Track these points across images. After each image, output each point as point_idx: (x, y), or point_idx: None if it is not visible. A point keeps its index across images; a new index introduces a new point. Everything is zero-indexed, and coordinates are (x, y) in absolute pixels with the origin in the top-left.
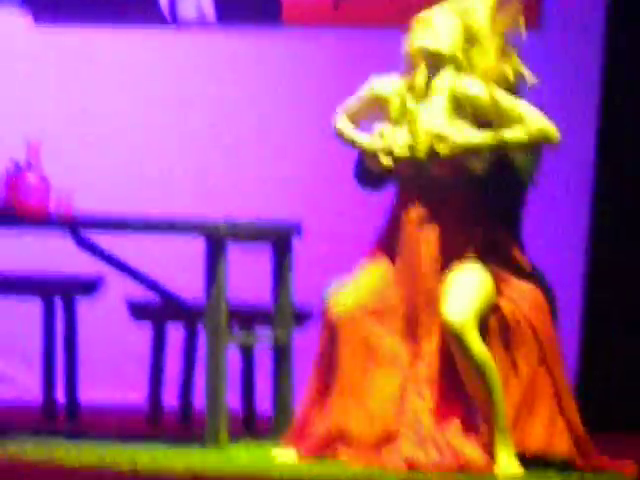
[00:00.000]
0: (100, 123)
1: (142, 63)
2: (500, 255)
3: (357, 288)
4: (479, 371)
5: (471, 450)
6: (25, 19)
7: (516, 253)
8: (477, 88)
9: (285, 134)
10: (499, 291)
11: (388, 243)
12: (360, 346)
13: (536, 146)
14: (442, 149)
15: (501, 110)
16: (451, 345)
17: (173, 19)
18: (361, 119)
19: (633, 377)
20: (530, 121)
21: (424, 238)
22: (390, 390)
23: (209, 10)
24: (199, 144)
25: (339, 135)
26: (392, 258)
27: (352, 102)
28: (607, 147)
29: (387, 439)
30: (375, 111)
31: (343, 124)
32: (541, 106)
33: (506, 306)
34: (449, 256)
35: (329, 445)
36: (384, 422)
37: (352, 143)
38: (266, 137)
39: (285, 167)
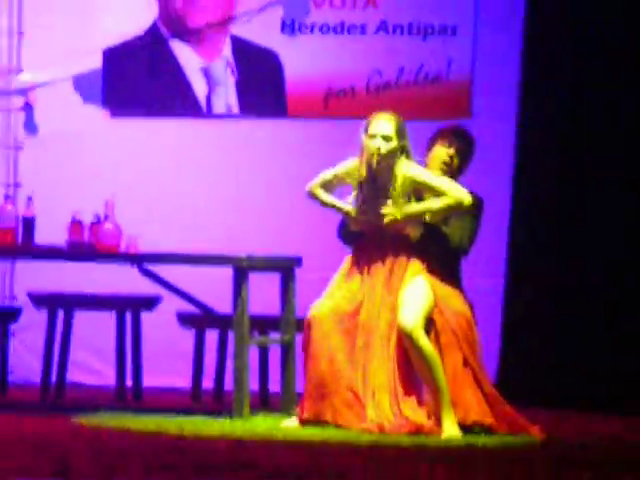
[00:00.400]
0: (156, 187)
1: (186, 143)
2: (438, 281)
3: (329, 299)
4: (427, 362)
5: (421, 418)
6: (104, 113)
7: (450, 281)
8: (416, 171)
9: (289, 194)
10: (435, 307)
11: (356, 266)
12: (329, 338)
13: (456, 209)
14: (387, 222)
15: (431, 186)
16: (405, 343)
17: (209, 112)
18: (333, 187)
19: (545, 362)
20: (450, 193)
21: (387, 265)
22: (355, 373)
23: (235, 105)
24: (226, 201)
25: (311, 196)
26: (360, 276)
27: (328, 173)
28: (519, 199)
29: (355, 409)
30: (344, 183)
31: (317, 189)
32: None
33: (438, 319)
34: (401, 277)
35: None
36: (353, 396)
37: (325, 204)
38: (275, 196)
39: (290, 215)
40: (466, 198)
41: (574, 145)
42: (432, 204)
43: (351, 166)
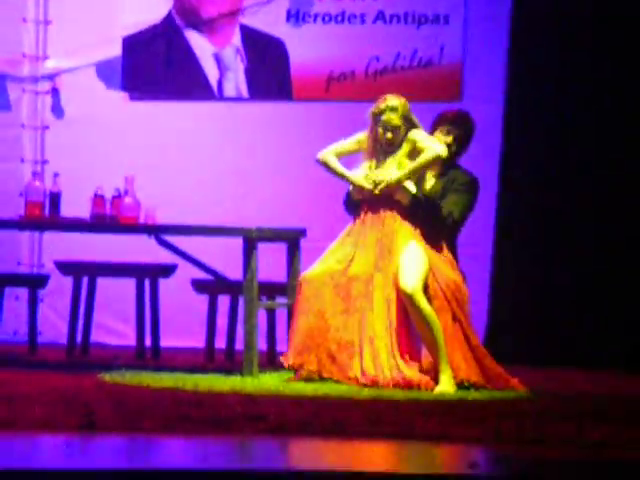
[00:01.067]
0: (172, 164)
1: (199, 124)
2: (432, 248)
3: (321, 263)
4: (426, 321)
5: (414, 374)
6: (124, 97)
7: (443, 249)
8: (415, 133)
9: (295, 170)
10: (429, 270)
11: (351, 232)
12: (319, 295)
13: (435, 162)
14: (378, 189)
15: (419, 145)
16: (406, 304)
17: (220, 95)
18: (343, 155)
19: (531, 322)
20: (429, 148)
21: (380, 227)
22: (351, 318)
23: (244, 89)
24: (237, 177)
25: (322, 163)
26: (353, 239)
27: (340, 144)
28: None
29: (339, 361)
30: (354, 153)
31: (329, 157)
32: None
33: (431, 284)
34: (396, 240)
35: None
36: (337, 348)
37: (335, 172)
38: (281, 172)
39: (295, 190)
40: (443, 152)
41: (560, 127)
42: (414, 163)
43: (362, 138)
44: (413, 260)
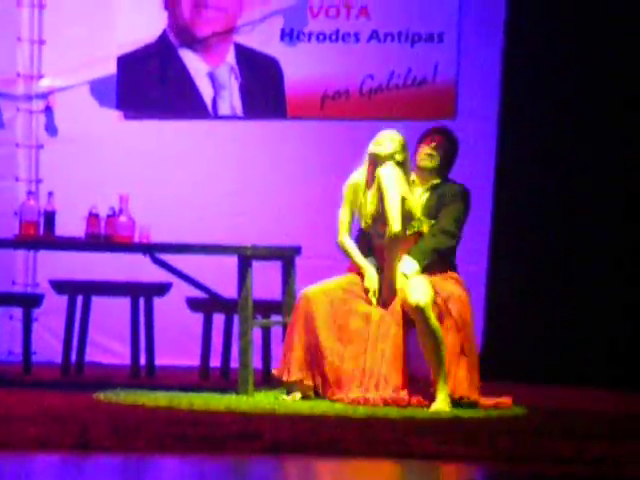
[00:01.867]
0: (167, 183)
1: (194, 143)
2: (437, 269)
3: (324, 284)
4: (433, 337)
5: (404, 394)
6: (118, 116)
7: (448, 268)
8: (385, 172)
9: (289, 188)
10: (435, 292)
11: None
12: (316, 315)
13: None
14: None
15: (383, 196)
16: (415, 319)
17: (215, 114)
18: (352, 219)
19: (525, 340)
20: (389, 220)
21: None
22: (347, 358)
23: (239, 107)
24: (231, 195)
25: (342, 249)
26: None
27: (341, 213)
28: (501, 197)
29: (346, 383)
30: (356, 198)
31: (347, 242)
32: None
33: (437, 301)
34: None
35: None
36: (342, 374)
37: (354, 260)
38: (276, 190)
39: (290, 208)
40: (395, 228)
41: (554, 144)
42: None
43: (350, 187)
44: (420, 280)
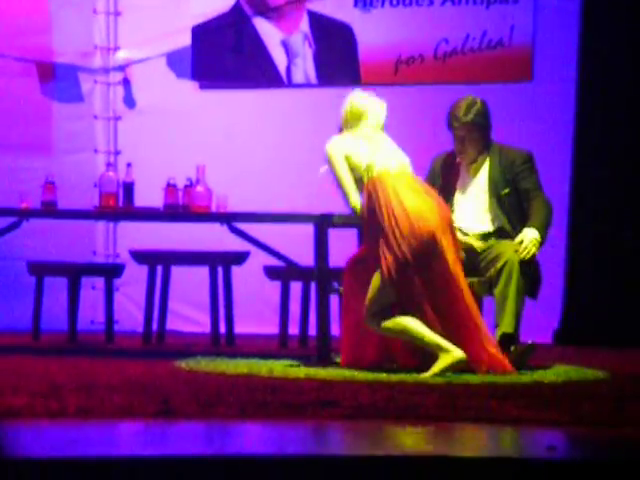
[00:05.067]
0: (243, 152)
1: (268, 112)
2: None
3: None
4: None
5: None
6: (193, 85)
7: None
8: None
9: None
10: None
11: None
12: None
13: None
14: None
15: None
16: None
17: (289, 82)
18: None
19: (607, 303)
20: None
21: None
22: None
23: (313, 76)
24: (306, 163)
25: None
26: None
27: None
28: (580, 160)
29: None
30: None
31: None
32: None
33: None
34: None
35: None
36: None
37: None
38: None
39: None
40: (353, 204)
41: (635, 104)
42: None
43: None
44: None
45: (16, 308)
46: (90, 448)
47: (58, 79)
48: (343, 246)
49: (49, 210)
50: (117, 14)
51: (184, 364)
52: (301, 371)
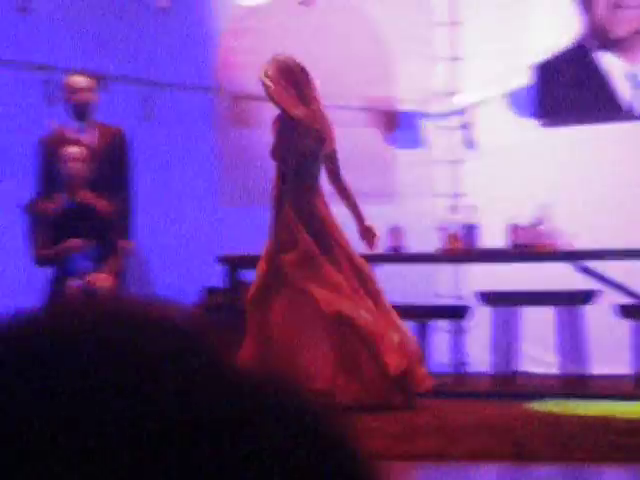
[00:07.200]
0: (587, 188)
1: (611, 146)
2: None
3: None
4: None
5: None
6: (535, 124)
7: None
8: None
9: None
10: None
11: None
12: None
13: None
14: None
15: None
16: None
17: (634, 115)
18: None
19: None
20: None
21: None
22: None
23: None
24: None
25: None
26: None
27: None
28: None
29: None
30: None
31: None
32: None
33: None
34: None
35: None
36: None
37: None
38: None
39: None
40: None
41: None
42: None
43: None
44: None
45: None
46: None
47: (401, 126)
48: None
49: (398, 255)
50: (457, 59)
51: (536, 406)
52: None
